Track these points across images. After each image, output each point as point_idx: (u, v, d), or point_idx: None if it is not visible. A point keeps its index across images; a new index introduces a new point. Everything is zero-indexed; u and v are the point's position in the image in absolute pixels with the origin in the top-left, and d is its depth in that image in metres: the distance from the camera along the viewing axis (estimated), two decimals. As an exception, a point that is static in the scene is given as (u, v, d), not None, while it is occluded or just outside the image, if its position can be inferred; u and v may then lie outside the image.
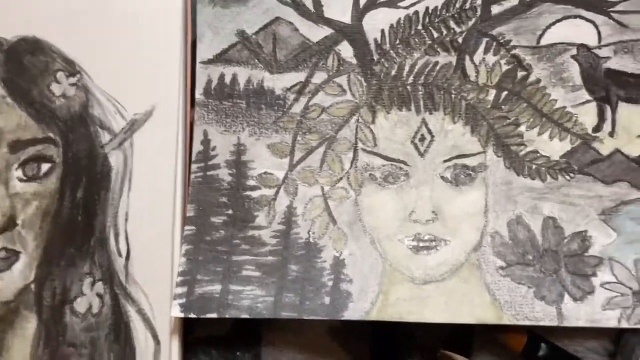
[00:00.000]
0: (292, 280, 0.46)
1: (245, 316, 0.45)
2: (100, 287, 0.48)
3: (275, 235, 0.48)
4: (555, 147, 0.48)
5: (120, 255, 0.48)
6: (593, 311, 0.44)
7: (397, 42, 0.50)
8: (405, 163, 0.49)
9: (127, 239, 0.48)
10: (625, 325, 0.44)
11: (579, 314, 0.44)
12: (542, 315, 0.44)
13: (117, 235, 0.48)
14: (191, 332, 0.48)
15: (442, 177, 0.48)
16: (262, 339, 0.48)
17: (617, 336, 0.46)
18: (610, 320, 0.44)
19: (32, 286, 0.48)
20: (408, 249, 0.47)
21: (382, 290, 0.46)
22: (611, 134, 0.48)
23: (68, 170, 0.49)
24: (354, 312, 0.45)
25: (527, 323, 0.44)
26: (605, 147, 0.48)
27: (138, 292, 0.47)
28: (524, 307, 0.44)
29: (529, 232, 0.46)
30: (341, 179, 0.49)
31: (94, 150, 0.50)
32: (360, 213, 0.48)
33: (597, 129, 0.48)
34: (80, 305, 0.48)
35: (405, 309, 0.45)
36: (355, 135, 0.49)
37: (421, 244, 0.47)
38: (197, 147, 0.50)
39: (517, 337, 0.44)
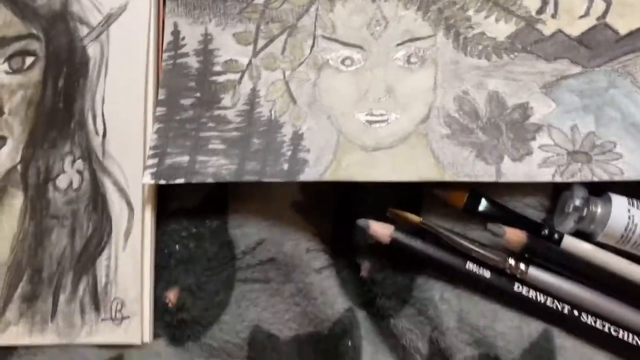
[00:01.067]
0: (254, 152, 0.50)
1: (210, 180, 0.49)
2: (79, 164, 0.52)
3: (239, 114, 0.51)
4: (500, 29, 0.51)
5: (97, 134, 0.52)
6: (530, 169, 0.47)
7: None
8: (361, 47, 0.52)
9: (103, 119, 0.52)
10: (558, 179, 0.47)
11: (517, 171, 0.47)
12: (481, 172, 0.47)
13: (94, 117, 0.52)
14: (165, 205, 0.52)
15: (395, 59, 0.51)
16: (228, 209, 0.52)
17: (553, 193, 0.49)
18: (545, 175, 0.47)
19: (18, 167, 0.52)
20: (361, 123, 0.50)
21: (336, 157, 0.49)
22: (553, 16, 0.51)
23: (50, 62, 0.53)
24: (309, 175, 0.48)
25: (467, 179, 0.47)
26: (548, 27, 0.51)
27: (114, 165, 0.51)
28: (465, 167, 0.48)
29: (474, 105, 0.50)
30: (301, 63, 0.52)
31: (73, 43, 0.54)
32: (319, 94, 0.52)
33: (540, 11, 0.51)
34: (62, 182, 0.52)
35: (356, 170, 0.48)
36: (314, 23, 0.53)
37: (373, 118, 0.50)
38: (168, 37, 0.53)
39: (458, 194, 0.47)
